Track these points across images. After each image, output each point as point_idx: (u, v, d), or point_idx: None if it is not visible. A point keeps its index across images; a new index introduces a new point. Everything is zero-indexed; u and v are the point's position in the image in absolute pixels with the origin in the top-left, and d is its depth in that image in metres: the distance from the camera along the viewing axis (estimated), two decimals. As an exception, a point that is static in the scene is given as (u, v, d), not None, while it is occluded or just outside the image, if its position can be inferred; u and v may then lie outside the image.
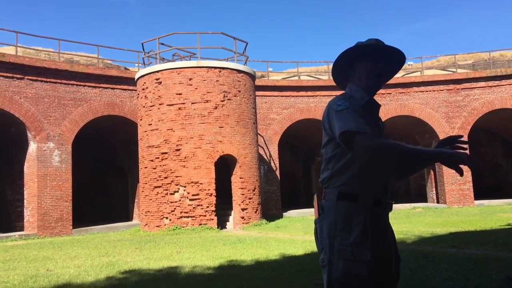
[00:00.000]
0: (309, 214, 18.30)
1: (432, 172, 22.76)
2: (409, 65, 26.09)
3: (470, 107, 20.82)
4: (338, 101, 2.21)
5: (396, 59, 2.38)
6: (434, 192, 22.59)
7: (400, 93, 21.06)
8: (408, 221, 14.39)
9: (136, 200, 19.80)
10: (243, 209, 15.29)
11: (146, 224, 15.16)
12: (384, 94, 20.94)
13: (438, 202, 21.90)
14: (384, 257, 2.14)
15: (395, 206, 21.41)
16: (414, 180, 25.77)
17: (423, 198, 23.94)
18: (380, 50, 2.31)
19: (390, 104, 20.96)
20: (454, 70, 23.12)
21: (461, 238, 9.21)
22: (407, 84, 21.17)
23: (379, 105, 2.40)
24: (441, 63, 25.78)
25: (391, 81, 21.16)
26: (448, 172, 20.59)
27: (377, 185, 2.20)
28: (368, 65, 2.31)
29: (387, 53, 2.33)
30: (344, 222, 2.12)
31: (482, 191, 22.38)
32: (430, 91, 21.07)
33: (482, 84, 20.87)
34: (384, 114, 20.88)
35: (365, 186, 2.16)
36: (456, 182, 20.50)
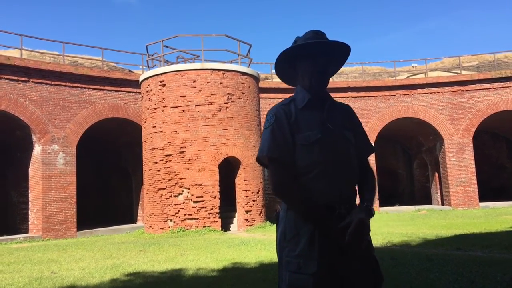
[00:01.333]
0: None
1: (436, 174, 22.70)
2: (413, 66, 26.07)
3: (475, 109, 20.75)
4: (268, 115, 2.15)
5: (338, 49, 2.20)
6: (439, 194, 22.52)
7: (404, 95, 21.02)
8: (413, 223, 14.34)
9: (140, 202, 19.84)
10: (247, 211, 15.28)
11: (150, 227, 15.18)
12: (388, 96, 20.92)
13: (443, 204, 21.83)
14: (341, 267, 1.99)
15: (399, 208, 21.33)
16: (418, 182, 25.72)
17: (428, 200, 23.88)
18: (318, 45, 2.14)
19: (394, 106, 20.92)
20: (459, 71, 23.07)
21: (466, 240, 9.17)
22: (411, 86, 21.13)
23: (329, 100, 2.22)
24: (445, 64, 25.74)
25: (395, 83, 21.17)
26: (453, 174, 20.53)
27: (328, 190, 2.06)
28: (308, 64, 2.16)
29: (327, 46, 2.16)
30: (292, 232, 2.05)
31: (487, 193, 22.30)
32: (435, 92, 21.02)
33: (487, 85, 20.81)
34: (388, 116, 20.86)
35: (314, 194, 2.04)
36: (461, 184, 20.43)
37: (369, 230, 2.04)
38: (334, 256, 1.98)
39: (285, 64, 2.24)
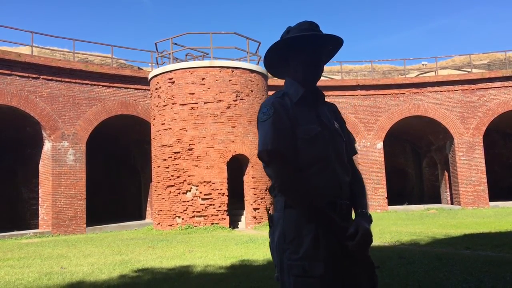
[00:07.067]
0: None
1: (446, 173, 22.55)
2: (423, 64, 25.89)
3: (485, 108, 20.58)
4: (264, 108, 1.99)
5: (331, 41, 2.12)
6: (448, 193, 22.37)
7: (414, 93, 20.89)
8: (422, 222, 14.27)
9: (149, 199, 19.92)
10: (255, 209, 15.29)
11: (159, 223, 15.25)
12: (397, 94, 20.79)
13: (452, 203, 21.68)
14: (346, 266, 1.88)
15: (408, 207, 21.22)
16: (428, 181, 25.58)
17: (437, 199, 23.74)
18: (314, 38, 2.06)
19: (404, 104, 20.80)
20: (469, 70, 22.88)
21: (475, 240, 9.10)
22: (421, 84, 20.99)
23: (321, 95, 2.14)
24: (456, 63, 25.53)
25: (404, 81, 21.05)
26: (462, 173, 20.38)
27: (330, 185, 1.96)
28: (303, 56, 2.08)
29: (322, 39, 2.08)
30: (293, 233, 1.88)
31: (497, 193, 22.12)
32: (445, 91, 20.87)
33: (498, 84, 20.62)
34: (398, 114, 20.74)
35: (315, 189, 1.92)
36: (471, 183, 20.28)
37: (372, 240, 1.93)
38: (337, 257, 1.87)
39: (276, 55, 2.13)
